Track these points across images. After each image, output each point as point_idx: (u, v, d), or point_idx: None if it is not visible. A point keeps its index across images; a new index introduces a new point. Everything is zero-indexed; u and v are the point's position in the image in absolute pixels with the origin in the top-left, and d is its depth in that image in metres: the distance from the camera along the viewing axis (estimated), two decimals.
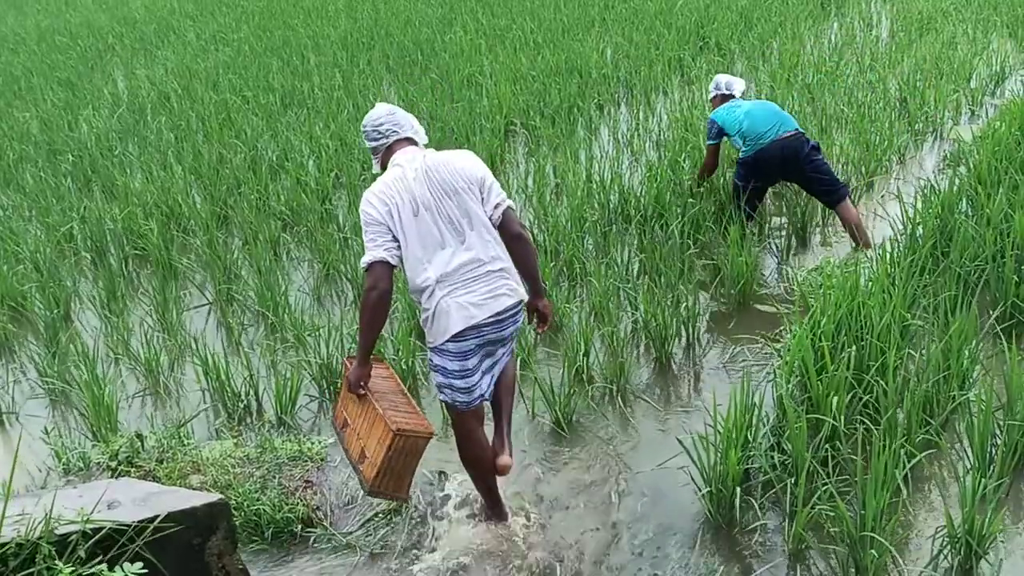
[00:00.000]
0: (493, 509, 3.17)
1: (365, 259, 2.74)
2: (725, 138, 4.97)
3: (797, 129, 4.79)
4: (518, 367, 3.96)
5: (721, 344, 4.23)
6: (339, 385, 3.11)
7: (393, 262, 2.74)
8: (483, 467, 3.08)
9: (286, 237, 5.66)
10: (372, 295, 2.73)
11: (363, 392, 2.93)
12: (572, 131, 6.87)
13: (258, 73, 9.28)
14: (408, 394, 3.12)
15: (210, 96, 8.55)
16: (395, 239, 2.74)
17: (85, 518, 1.96)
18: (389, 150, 2.89)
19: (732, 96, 5.07)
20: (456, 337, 2.80)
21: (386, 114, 2.91)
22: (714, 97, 5.16)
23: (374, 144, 2.92)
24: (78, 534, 1.94)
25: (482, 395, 2.97)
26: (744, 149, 4.80)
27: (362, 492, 3.42)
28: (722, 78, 5.18)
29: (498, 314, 2.82)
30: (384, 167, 2.91)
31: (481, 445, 3.05)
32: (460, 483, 3.38)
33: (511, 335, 2.95)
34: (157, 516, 2.09)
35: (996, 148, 5.09)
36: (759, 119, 4.77)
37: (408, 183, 2.77)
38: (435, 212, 2.76)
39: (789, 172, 4.79)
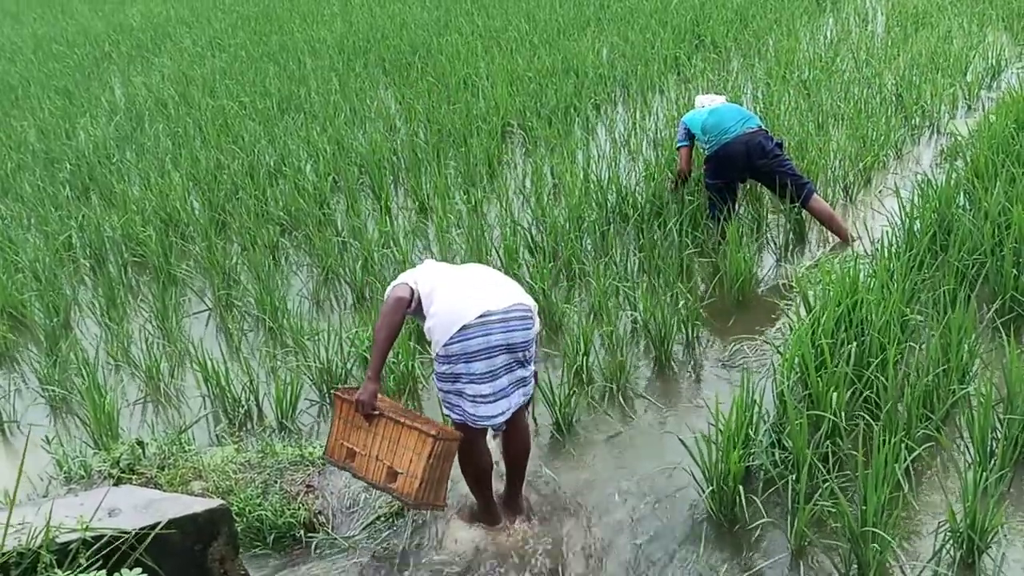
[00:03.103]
0: (488, 515, 3.17)
1: (393, 283, 2.98)
2: (696, 142, 5.10)
3: (760, 126, 4.91)
4: None
5: (721, 342, 4.23)
6: (335, 409, 3.08)
7: (412, 286, 2.93)
8: (485, 479, 3.10)
9: (284, 242, 5.67)
10: (391, 299, 2.89)
11: (376, 413, 2.93)
12: (569, 131, 6.88)
13: (255, 78, 9.29)
14: (416, 413, 3.15)
15: (207, 102, 8.56)
16: (414, 283, 2.97)
17: (85, 526, 1.96)
18: None
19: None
20: (463, 332, 2.77)
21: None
22: None
23: None
24: (79, 542, 1.95)
25: (491, 417, 2.91)
26: (710, 145, 4.89)
27: (364, 495, 3.43)
28: (700, 98, 5.41)
29: (504, 311, 2.81)
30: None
31: (483, 458, 3.07)
32: (461, 485, 3.37)
33: (522, 345, 2.87)
34: (158, 523, 2.10)
35: (993, 141, 5.09)
36: (724, 116, 4.92)
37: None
38: (460, 267, 3.15)
39: (755, 167, 4.86)
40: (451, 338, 2.78)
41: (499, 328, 2.81)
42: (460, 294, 2.85)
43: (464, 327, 2.77)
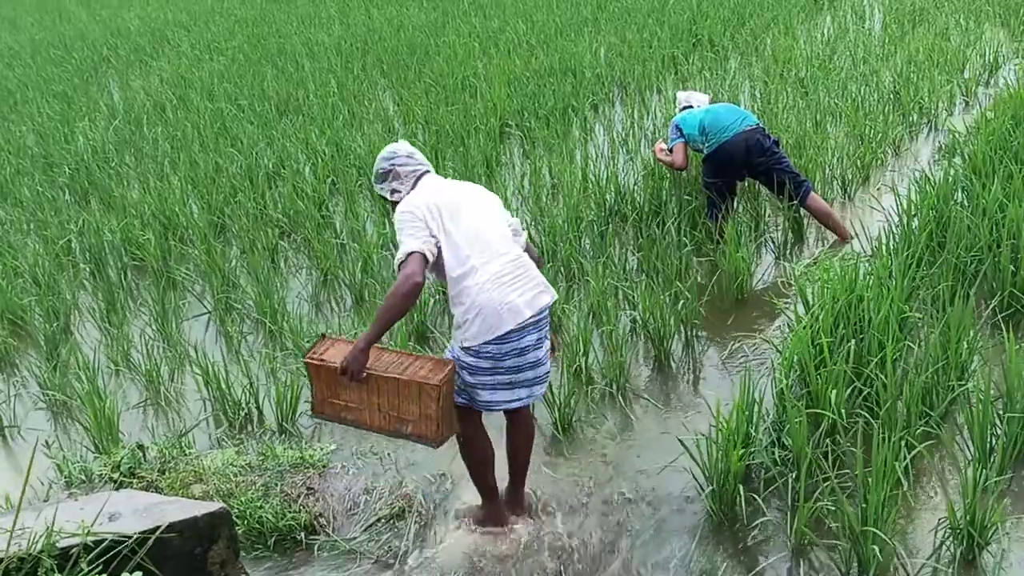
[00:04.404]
0: (493, 515, 3.17)
1: (403, 250, 2.77)
2: (690, 142, 5.05)
3: (758, 124, 4.92)
4: None
5: (720, 341, 4.24)
6: (311, 375, 2.98)
7: (429, 257, 2.78)
8: (489, 465, 3.09)
9: (283, 244, 5.67)
10: (407, 284, 2.72)
11: (364, 375, 2.85)
12: (567, 132, 6.88)
13: (253, 81, 9.29)
14: (393, 350, 3.07)
15: (205, 105, 8.56)
16: (433, 236, 2.80)
17: (86, 531, 1.97)
18: (419, 179, 3.03)
19: (691, 107, 5.23)
20: (500, 339, 2.79)
21: (414, 150, 3.10)
22: (681, 111, 5.28)
23: (410, 170, 3.02)
24: (79, 547, 1.95)
25: (507, 402, 2.94)
26: (708, 144, 4.88)
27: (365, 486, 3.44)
28: (683, 93, 5.41)
29: (538, 312, 2.87)
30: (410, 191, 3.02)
31: (486, 442, 3.07)
32: (462, 485, 3.38)
33: (546, 336, 2.96)
34: (158, 527, 2.10)
35: (991, 138, 5.10)
36: (721, 115, 4.92)
37: (449, 192, 2.95)
38: (474, 215, 2.89)
39: (753, 165, 4.86)
40: (488, 341, 2.79)
41: (533, 329, 2.86)
42: (500, 294, 2.78)
43: (506, 332, 2.79)
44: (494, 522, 3.16)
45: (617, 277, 4.62)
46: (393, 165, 3.02)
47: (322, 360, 2.95)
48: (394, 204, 3.02)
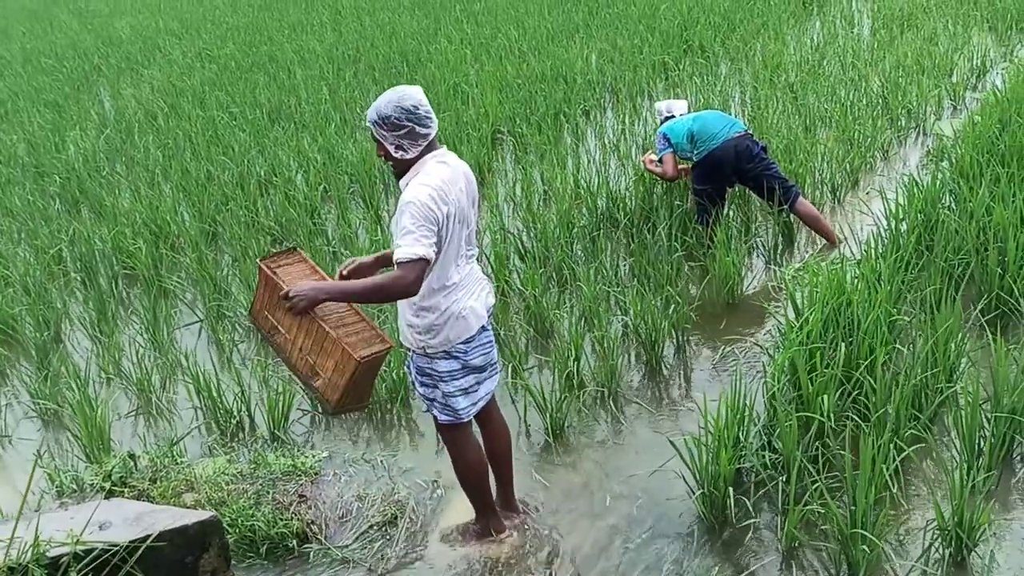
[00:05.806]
0: (492, 525, 3.16)
1: (413, 251, 2.56)
2: (679, 151, 5.05)
3: (746, 130, 4.94)
4: (509, 374, 3.99)
5: (711, 345, 4.26)
6: (259, 280, 2.81)
7: (432, 259, 2.65)
8: (484, 475, 3.09)
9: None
10: (402, 291, 2.61)
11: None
12: (559, 137, 6.91)
13: (244, 89, 9.30)
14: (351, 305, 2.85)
15: (197, 113, 8.56)
16: (437, 245, 2.66)
17: (76, 540, 1.97)
18: (430, 144, 2.73)
19: (673, 117, 5.23)
20: (466, 341, 2.85)
21: (429, 106, 2.73)
22: (663, 121, 5.28)
23: (426, 132, 2.69)
24: (69, 556, 1.95)
25: (477, 404, 2.97)
26: (697, 152, 4.90)
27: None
28: (662, 104, 5.40)
29: (489, 310, 2.94)
30: (417, 157, 2.72)
31: (481, 453, 3.07)
32: (455, 492, 3.38)
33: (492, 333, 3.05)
34: (149, 535, 2.10)
35: (978, 142, 5.14)
36: (710, 122, 4.93)
37: (459, 187, 2.75)
38: (466, 220, 2.82)
39: (743, 171, 4.88)
40: (453, 345, 2.82)
41: (487, 325, 2.93)
42: (466, 302, 2.81)
43: (468, 338, 2.84)
44: (495, 531, 3.15)
45: (609, 282, 4.64)
46: (413, 123, 2.65)
47: (275, 274, 2.76)
48: (387, 155, 2.71)
